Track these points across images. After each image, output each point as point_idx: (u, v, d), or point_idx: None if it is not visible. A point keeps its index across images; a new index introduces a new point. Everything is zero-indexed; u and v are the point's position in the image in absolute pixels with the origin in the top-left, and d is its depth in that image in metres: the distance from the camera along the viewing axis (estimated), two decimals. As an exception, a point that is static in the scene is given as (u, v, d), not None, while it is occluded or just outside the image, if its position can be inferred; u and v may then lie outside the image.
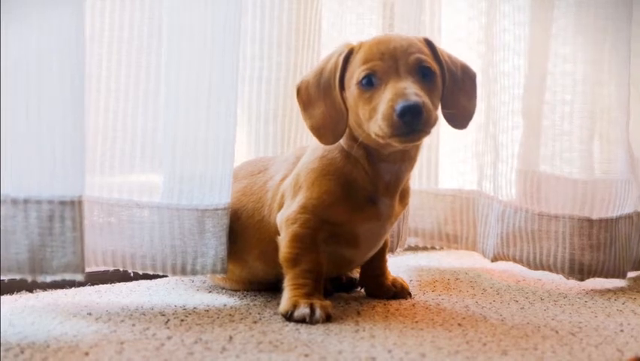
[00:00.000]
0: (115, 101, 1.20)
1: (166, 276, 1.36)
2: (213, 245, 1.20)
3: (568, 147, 1.50)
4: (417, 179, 1.67)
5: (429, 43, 1.16)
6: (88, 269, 1.29)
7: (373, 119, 1.08)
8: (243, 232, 1.24)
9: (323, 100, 1.15)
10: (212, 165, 1.21)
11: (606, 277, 1.46)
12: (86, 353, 0.91)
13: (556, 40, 1.50)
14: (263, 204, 1.24)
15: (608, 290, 1.43)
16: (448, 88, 1.16)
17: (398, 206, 1.22)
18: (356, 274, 1.36)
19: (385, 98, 1.06)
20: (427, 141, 1.65)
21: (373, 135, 1.09)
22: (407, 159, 1.17)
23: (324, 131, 1.15)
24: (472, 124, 1.63)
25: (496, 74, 1.55)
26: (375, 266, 1.30)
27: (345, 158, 1.17)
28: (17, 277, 1.04)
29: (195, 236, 1.20)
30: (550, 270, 1.48)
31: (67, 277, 1.04)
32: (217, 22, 1.18)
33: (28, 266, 1.02)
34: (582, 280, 1.46)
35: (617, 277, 1.48)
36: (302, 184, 1.17)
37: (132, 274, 1.31)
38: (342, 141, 1.17)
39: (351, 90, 1.12)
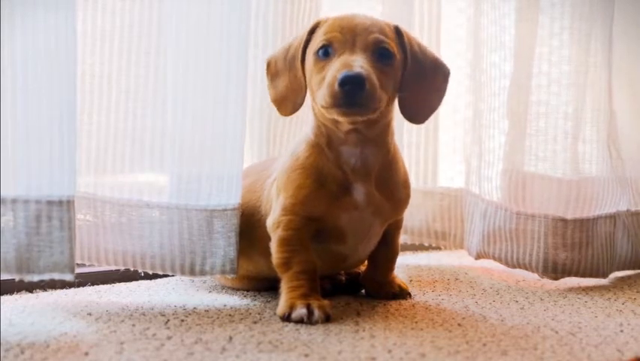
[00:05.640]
0: (125, 101, 1.21)
1: (169, 276, 1.36)
2: (222, 245, 1.20)
3: (546, 147, 1.51)
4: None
5: (397, 31, 1.17)
6: (97, 268, 1.30)
7: (321, 89, 1.09)
8: (248, 228, 1.24)
9: (288, 72, 1.18)
10: (220, 164, 1.21)
11: (583, 276, 1.47)
12: (86, 353, 0.91)
13: (541, 43, 1.51)
14: (261, 203, 1.24)
15: (608, 290, 1.43)
16: (410, 77, 1.16)
17: (387, 203, 1.19)
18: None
19: (333, 68, 1.08)
20: (415, 140, 1.66)
21: (320, 107, 1.10)
22: (368, 143, 1.16)
23: (285, 102, 1.19)
24: (464, 123, 1.65)
25: (484, 76, 1.55)
26: (380, 273, 1.29)
27: (311, 148, 1.18)
28: (4, 276, 1.04)
29: (204, 237, 1.20)
30: (526, 268, 1.49)
31: (56, 276, 1.04)
32: (224, 21, 1.18)
33: (15, 265, 1.02)
34: (556, 279, 1.47)
35: (596, 276, 1.49)
36: (280, 185, 1.18)
37: (133, 275, 1.32)
38: (310, 131, 1.18)
39: (309, 60, 1.14)
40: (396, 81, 1.15)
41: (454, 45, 1.71)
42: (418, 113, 1.20)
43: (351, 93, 1.04)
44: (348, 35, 1.11)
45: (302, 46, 1.16)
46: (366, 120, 1.12)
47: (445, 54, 1.70)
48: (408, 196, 1.25)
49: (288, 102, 1.19)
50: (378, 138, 1.17)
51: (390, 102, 1.15)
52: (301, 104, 1.18)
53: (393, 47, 1.13)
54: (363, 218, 1.18)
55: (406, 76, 1.16)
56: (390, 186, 1.20)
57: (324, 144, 1.17)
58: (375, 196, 1.17)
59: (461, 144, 1.69)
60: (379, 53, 1.11)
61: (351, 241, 1.19)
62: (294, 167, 1.17)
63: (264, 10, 1.44)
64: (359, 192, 1.16)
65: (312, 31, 1.16)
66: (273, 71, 1.21)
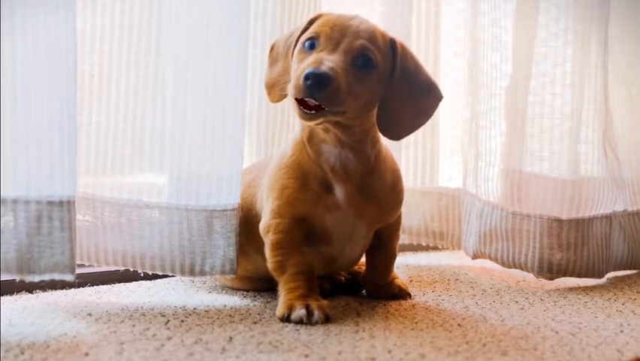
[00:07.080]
0: (124, 102, 1.21)
1: (169, 276, 1.36)
2: (222, 246, 1.21)
3: (543, 148, 1.51)
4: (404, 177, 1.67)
5: (392, 43, 1.15)
6: (97, 268, 1.30)
7: (292, 80, 1.09)
8: (245, 224, 1.24)
9: (284, 59, 1.18)
10: (219, 165, 1.21)
11: (578, 276, 1.48)
12: (86, 354, 0.91)
13: (539, 44, 1.51)
14: (257, 199, 1.24)
15: (608, 291, 1.43)
16: (395, 92, 1.14)
17: (370, 206, 1.18)
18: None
19: (306, 62, 1.08)
20: (413, 140, 1.66)
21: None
22: (346, 147, 1.15)
23: (274, 88, 1.19)
24: (462, 124, 1.65)
25: (482, 76, 1.55)
26: (378, 275, 1.29)
27: (295, 146, 1.18)
28: (5, 276, 1.04)
29: (204, 237, 1.20)
30: (521, 268, 1.49)
31: (57, 276, 1.04)
32: (224, 21, 1.18)
33: (15, 266, 1.02)
34: (551, 279, 1.47)
35: (592, 277, 1.49)
36: (268, 185, 1.19)
37: (133, 275, 1.32)
38: (298, 128, 1.18)
39: (296, 49, 1.14)
40: (375, 92, 1.13)
41: (454, 46, 1.71)
42: (395, 128, 1.17)
43: (311, 90, 1.04)
44: (336, 34, 1.10)
45: (298, 35, 1.16)
46: (332, 122, 1.12)
47: (444, 54, 1.70)
48: (397, 201, 1.24)
49: (276, 89, 1.18)
50: (356, 145, 1.16)
51: (366, 112, 1.14)
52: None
53: (378, 56, 1.11)
54: (346, 219, 1.17)
55: (391, 90, 1.14)
56: (374, 190, 1.18)
57: (306, 140, 1.17)
58: (356, 198, 1.17)
59: (459, 144, 1.69)
60: (361, 60, 1.10)
61: (337, 242, 1.19)
62: (280, 166, 1.18)
63: (264, 10, 1.44)
64: (339, 192, 1.16)
65: (311, 22, 1.16)
66: (274, 56, 1.21)
